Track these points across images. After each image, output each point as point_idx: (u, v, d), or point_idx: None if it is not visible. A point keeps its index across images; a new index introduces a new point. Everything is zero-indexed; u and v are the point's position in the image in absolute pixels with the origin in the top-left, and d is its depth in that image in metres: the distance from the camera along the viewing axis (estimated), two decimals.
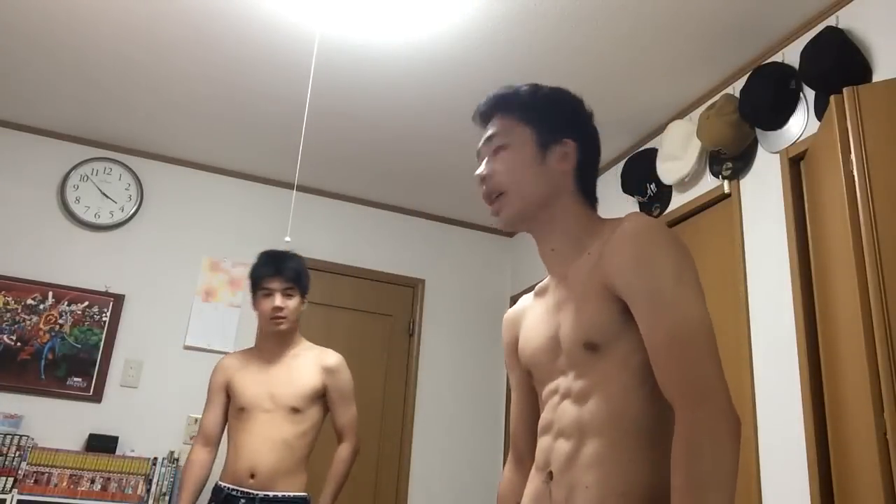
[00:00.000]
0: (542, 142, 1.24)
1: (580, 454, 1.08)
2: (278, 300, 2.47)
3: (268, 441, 2.38)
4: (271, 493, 2.34)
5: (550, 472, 1.13)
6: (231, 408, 2.51)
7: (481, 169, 1.28)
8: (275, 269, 2.50)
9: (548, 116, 1.27)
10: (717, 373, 1.00)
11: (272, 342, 2.55)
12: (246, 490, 2.34)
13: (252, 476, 2.35)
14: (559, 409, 1.15)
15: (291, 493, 2.37)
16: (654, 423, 1.07)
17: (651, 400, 1.07)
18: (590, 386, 1.11)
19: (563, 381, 1.16)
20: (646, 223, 1.12)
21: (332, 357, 2.56)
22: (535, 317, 1.30)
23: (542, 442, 1.19)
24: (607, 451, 1.06)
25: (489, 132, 1.30)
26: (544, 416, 1.20)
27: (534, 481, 1.19)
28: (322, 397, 2.51)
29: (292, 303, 2.50)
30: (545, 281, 1.34)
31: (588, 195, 1.28)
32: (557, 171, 1.24)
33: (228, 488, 2.37)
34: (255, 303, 2.54)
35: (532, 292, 1.38)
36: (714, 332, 1.04)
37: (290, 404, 2.43)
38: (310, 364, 2.51)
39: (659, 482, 1.04)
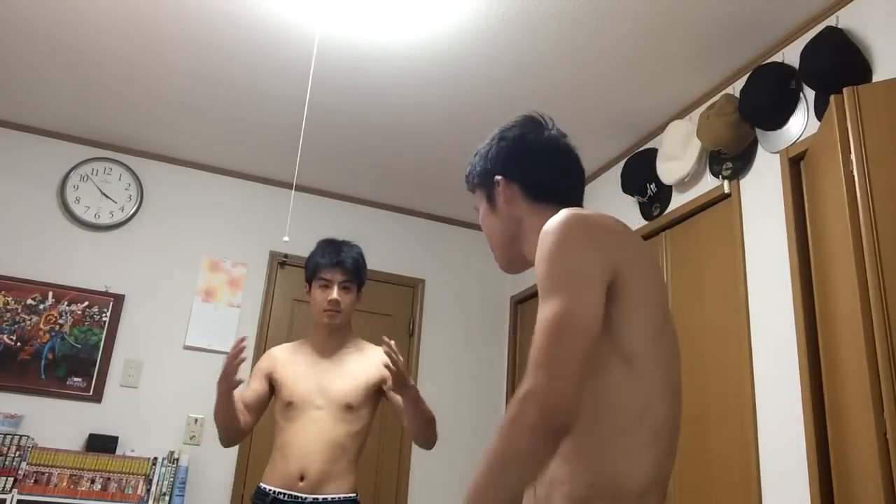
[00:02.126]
0: (488, 195, 1.36)
1: (557, 453, 1.10)
2: (335, 293, 2.34)
3: (318, 441, 2.23)
4: (321, 497, 2.19)
5: None
6: (277, 403, 2.35)
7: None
8: (336, 259, 2.37)
9: (481, 172, 1.37)
10: (551, 355, 0.98)
11: (323, 335, 2.41)
12: (294, 494, 2.19)
13: (301, 479, 2.20)
14: None
15: (341, 495, 2.22)
16: (614, 416, 1.06)
17: (606, 393, 1.06)
18: None
19: None
20: (548, 224, 1.13)
21: None
22: None
23: None
24: (576, 446, 1.06)
25: None
26: None
27: None
28: (376, 394, 2.38)
29: (349, 297, 2.38)
30: None
31: (551, 196, 1.29)
32: (506, 208, 1.32)
33: (275, 492, 2.21)
34: (310, 293, 2.41)
35: None
36: (575, 322, 1.01)
37: (343, 401, 2.28)
38: (366, 359, 2.38)
39: (630, 476, 1.04)
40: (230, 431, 2.26)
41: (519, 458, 0.97)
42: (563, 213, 1.13)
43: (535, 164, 1.32)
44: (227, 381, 2.11)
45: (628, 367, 1.06)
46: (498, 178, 1.32)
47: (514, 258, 1.34)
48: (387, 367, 2.16)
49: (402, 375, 2.15)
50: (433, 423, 2.27)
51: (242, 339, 2.09)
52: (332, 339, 2.41)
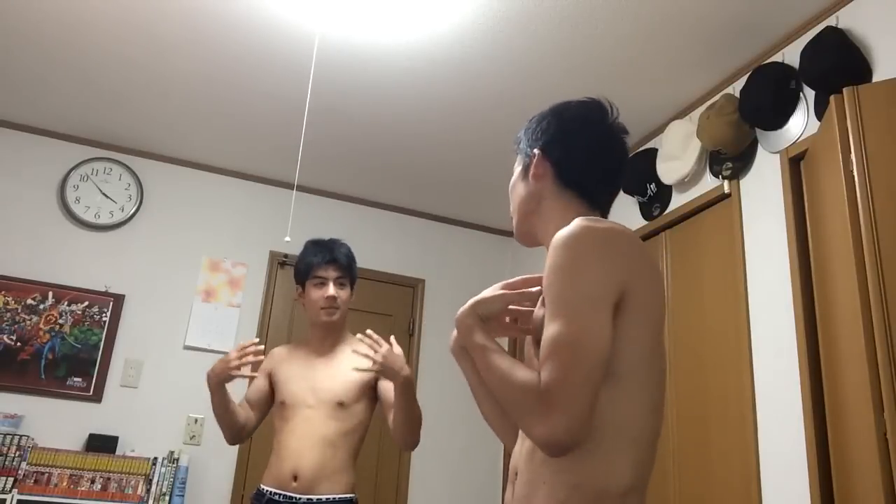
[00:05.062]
0: (524, 162, 1.35)
1: (537, 452, 1.11)
2: (332, 289, 2.35)
3: (310, 440, 2.23)
4: (314, 497, 2.18)
5: (516, 473, 1.16)
6: (275, 403, 2.37)
7: None
8: (329, 256, 2.37)
9: (525, 139, 1.36)
10: (566, 389, 1.00)
11: (319, 334, 2.41)
12: (289, 494, 2.19)
13: (295, 478, 2.20)
14: None
15: (336, 496, 2.20)
16: (603, 424, 1.06)
17: (600, 403, 1.06)
18: None
19: None
20: (560, 235, 1.12)
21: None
22: None
23: (515, 449, 1.24)
24: None
25: None
26: None
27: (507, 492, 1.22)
28: (372, 390, 2.34)
29: (344, 293, 2.39)
30: None
31: (581, 189, 1.27)
32: (533, 182, 1.30)
33: (270, 492, 2.22)
34: (305, 292, 2.40)
35: None
36: (589, 354, 1.02)
37: (334, 399, 2.27)
38: (358, 356, 2.31)
39: (610, 479, 1.05)
40: (231, 428, 2.30)
41: (503, 403, 1.13)
42: (577, 225, 1.11)
43: (578, 153, 1.28)
44: (217, 376, 2.20)
45: (616, 385, 1.06)
46: (536, 151, 1.30)
47: (526, 232, 1.34)
48: (370, 364, 2.16)
49: (389, 362, 2.12)
50: (418, 423, 2.25)
51: (254, 344, 2.20)
52: (329, 338, 2.42)
